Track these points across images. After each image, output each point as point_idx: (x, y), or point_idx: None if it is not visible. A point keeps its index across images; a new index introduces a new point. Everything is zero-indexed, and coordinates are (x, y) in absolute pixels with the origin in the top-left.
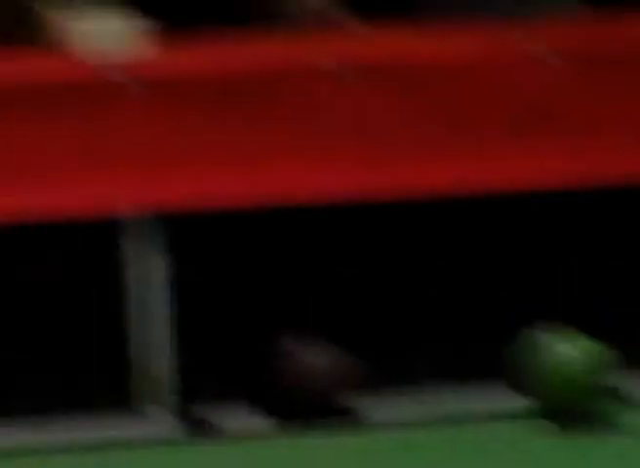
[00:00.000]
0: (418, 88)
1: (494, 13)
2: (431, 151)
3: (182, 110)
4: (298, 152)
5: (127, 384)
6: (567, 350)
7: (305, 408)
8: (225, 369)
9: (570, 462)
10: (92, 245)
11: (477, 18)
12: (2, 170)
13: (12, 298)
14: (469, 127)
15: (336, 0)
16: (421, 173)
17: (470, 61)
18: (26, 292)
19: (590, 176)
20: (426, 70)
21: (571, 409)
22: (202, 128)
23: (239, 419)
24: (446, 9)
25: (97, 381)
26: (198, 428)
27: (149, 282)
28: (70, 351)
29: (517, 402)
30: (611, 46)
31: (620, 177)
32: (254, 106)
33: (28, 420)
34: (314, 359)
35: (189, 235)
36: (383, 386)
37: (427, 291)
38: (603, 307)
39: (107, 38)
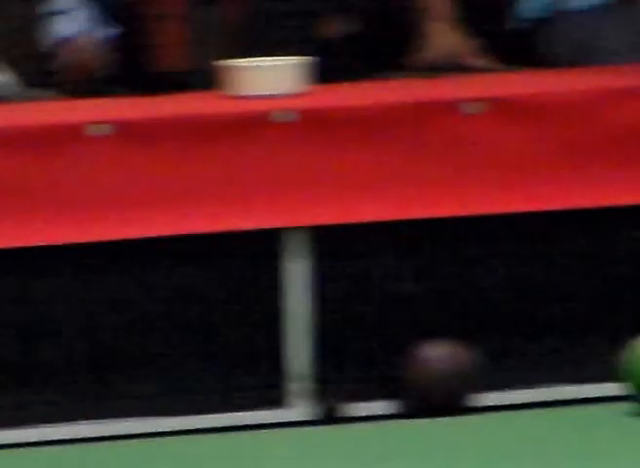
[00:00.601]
0: (551, 121)
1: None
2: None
3: (331, 140)
4: (433, 180)
5: (276, 380)
6: None
7: (433, 404)
8: (362, 368)
9: None
10: (253, 259)
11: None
12: (190, 193)
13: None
14: (588, 155)
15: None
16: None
17: (593, 98)
18: (196, 298)
19: None
20: (555, 106)
21: None
22: (348, 155)
23: (370, 409)
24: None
25: (252, 379)
26: (332, 415)
27: (297, 289)
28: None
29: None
30: None
31: None
32: (396, 139)
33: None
34: (443, 361)
35: (333, 247)
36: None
37: (547, 290)
38: None
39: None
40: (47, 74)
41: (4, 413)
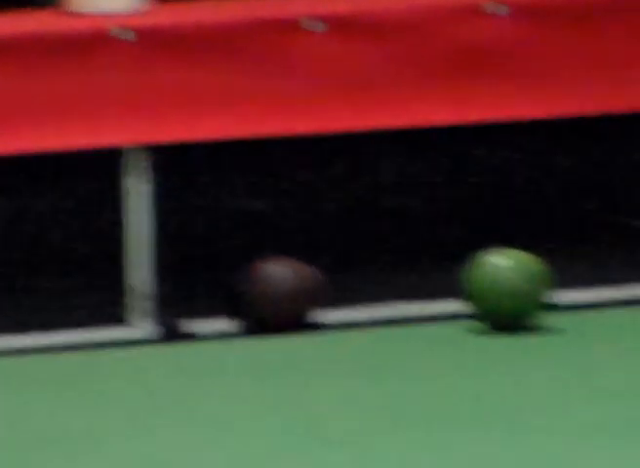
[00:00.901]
0: (386, 37)
1: None
2: (408, 90)
3: (170, 58)
4: (273, 95)
5: (116, 297)
6: (504, 261)
7: (274, 322)
8: (201, 284)
9: (500, 359)
10: (92, 176)
11: None
12: (23, 110)
13: (23, 221)
14: (436, 70)
15: None
16: (399, 108)
17: (431, 15)
18: (39, 216)
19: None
20: (395, 23)
21: (510, 318)
22: (188, 74)
23: (210, 326)
24: None
25: (92, 297)
26: (173, 333)
27: (138, 206)
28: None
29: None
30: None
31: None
32: (237, 56)
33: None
34: (283, 276)
35: (173, 165)
36: (341, 297)
37: (392, 208)
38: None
39: None
40: None
41: None
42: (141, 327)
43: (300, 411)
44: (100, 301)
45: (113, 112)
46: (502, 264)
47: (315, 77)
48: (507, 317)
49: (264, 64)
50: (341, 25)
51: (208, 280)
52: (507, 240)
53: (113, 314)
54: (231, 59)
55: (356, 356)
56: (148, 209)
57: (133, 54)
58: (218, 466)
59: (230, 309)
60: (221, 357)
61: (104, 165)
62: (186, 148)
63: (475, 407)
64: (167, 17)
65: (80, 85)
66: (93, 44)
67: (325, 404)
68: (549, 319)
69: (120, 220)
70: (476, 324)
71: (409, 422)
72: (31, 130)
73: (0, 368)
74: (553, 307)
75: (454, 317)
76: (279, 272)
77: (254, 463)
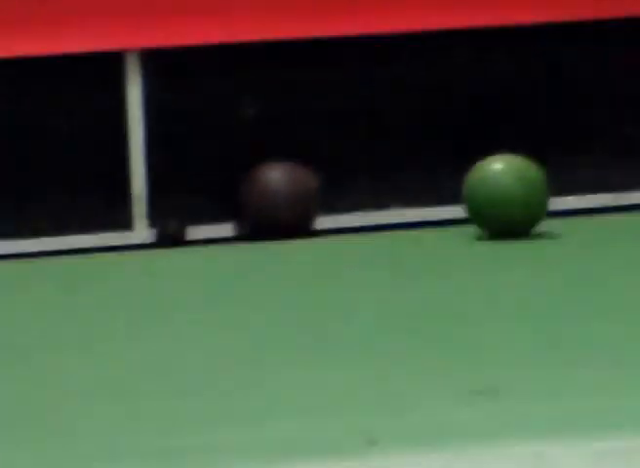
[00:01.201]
0: None
1: None
2: None
3: None
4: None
5: (117, 203)
6: (502, 167)
7: (270, 226)
8: (199, 190)
9: (496, 262)
10: (94, 76)
11: None
12: (28, 14)
13: (26, 122)
14: None
15: None
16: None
17: None
18: (42, 116)
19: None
20: None
21: (508, 224)
22: None
23: (208, 231)
24: None
25: (94, 203)
26: (171, 238)
27: (136, 112)
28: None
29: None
30: None
31: None
32: None
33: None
34: (279, 180)
35: (169, 68)
36: (336, 204)
37: (394, 121)
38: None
39: None
40: None
41: None
42: (140, 231)
43: (299, 313)
44: (102, 207)
45: (111, 18)
46: (501, 170)
47: None
48: (506, 223)
49: None
50: None
51: (207, 185)
52: (508, 147)
53: (114, 219)
54: None
55: (363, 259)
56: (144, 114)
57: None
58: (213, 367)
59: (229, 214)
60: (218, 261)
61: (102, 71)
62: (183, 54)
63: (482, 303)
64: None
65: None
66: None
67: (328, 306)
68: (548, 224)
69: (121, 126)
70: (476, 229)
71: (413, 321)
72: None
73: (7, 271)
74: (552, 213)
75: (454, 222)
76: (277, 177)
77: (252, 364)
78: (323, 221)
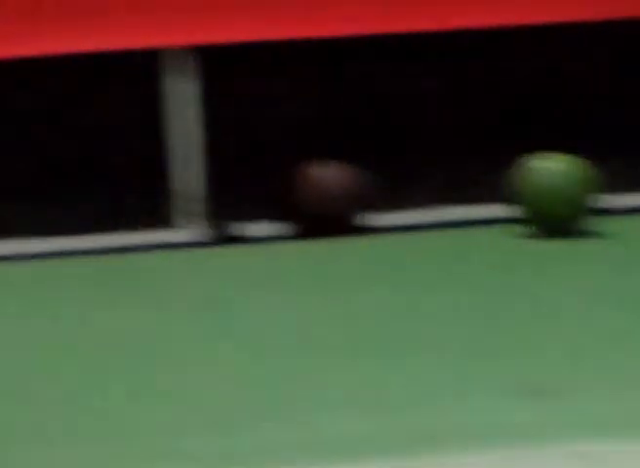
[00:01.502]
0: None
1: None
2: None
3: None
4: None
5: (168, 203)
6: (554, 166)
7: (325, 224)
8: (253, 189)
9: (549, 261)
10: (137, 77)
11: None
12: (64, 13)
13: (66, 121)
14: None
15: None
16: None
17: None
18: (82, 118)
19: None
20: None
21: (560, 222)
22: None
23: (259, 229)
24: None
25: (141, 201)
26: (222, 235)
27: (186, 109)
28: (116, 172)
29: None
30: None
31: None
32: None
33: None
34: (333, 179)
35: (222, 69)
36: (391, 202)
37: (436, 123)
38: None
39: None
40: None
41: None
42: (190, 230)
43: (347, 311)
44: (150, 205)
45: (155, 14)
46: (553, 169)
47: None
48: (557, 221)
49: None
50: None
51: (257, 184)
52: (557, 146)
53: (162, 217)
54: None
55: (406, 258)
56: (195, 113)
57: None
58: (263, 369)
59: (279, 212)
60: (270, 259)
61: (149, 68)
62: (235, 53)
63: (528, 304)
64: None
65: None
66: None
67: (373, 304)
68: (599, 223)
69: (167, 125)
70: (521, 228)
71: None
72: (73, 30)
73: (54, 268)
74: (603, 211)
75: (496, 221)
76: (328, 176)
77: (300, 360)
78: (375, 219)
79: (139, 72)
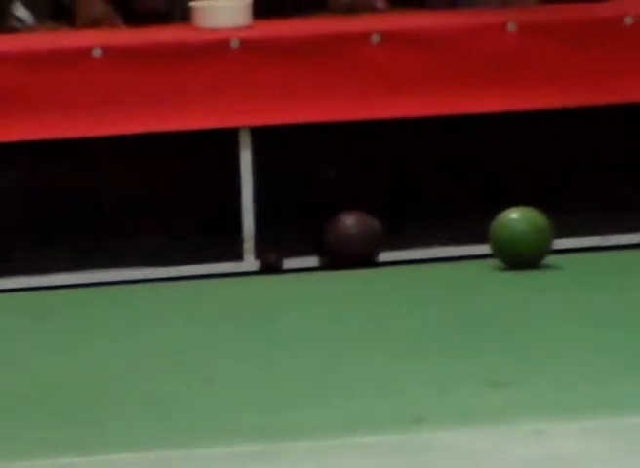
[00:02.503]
0: (426, 48)
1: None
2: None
3: (270, 61)
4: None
5: (231, 239)
6: (519, 216)
7: (348, 261)
8: (293, 230)
9: (512, 287)
10: (217, 150)
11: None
12: (163, 102)
13: (162, 182)
14: (460, 75)
15: None
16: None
17: (463, 32)
18: (175, 181)
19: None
20: (437, 37)
21: (523, 259)
22: (285, 73)
23: (300, 262)
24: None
25: (213, 239)
26: (270, 267)
27: (248, 174)
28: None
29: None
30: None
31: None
32: (319, 61)
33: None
34: (356, 226)
35: (273, 143)
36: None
37: (434, 178)
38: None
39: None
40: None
41: None
42: (248, 262)
43: (366, 326)
44: (219, 242)
45: (228, 101)
46: (518, 218)
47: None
48: (522, 258)
49: (339, 67)
50: (394, 38)
51: (299, 228)
52: (524, 199)
53: (229, 252)
54: (313, 62)
55: (411, 287)
56: (253, 174)
57: (242, 58)
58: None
59: (316, 250)
60: (306, 286)
61: (224, 142)
62: (282, 130)
63: (496, 319)
64: (265, 29)
65: (203, 81)
66: (213, 50)
67: (386, 320)
68: (553, 260)
69: (237, 183)
70: (497, 263)
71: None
72: (172, 113)
73: (135, 295)
74: (556, 251)
75: (480, 257)
76: (351, 222)
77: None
78: (384, 255)
79: (216, 144)
